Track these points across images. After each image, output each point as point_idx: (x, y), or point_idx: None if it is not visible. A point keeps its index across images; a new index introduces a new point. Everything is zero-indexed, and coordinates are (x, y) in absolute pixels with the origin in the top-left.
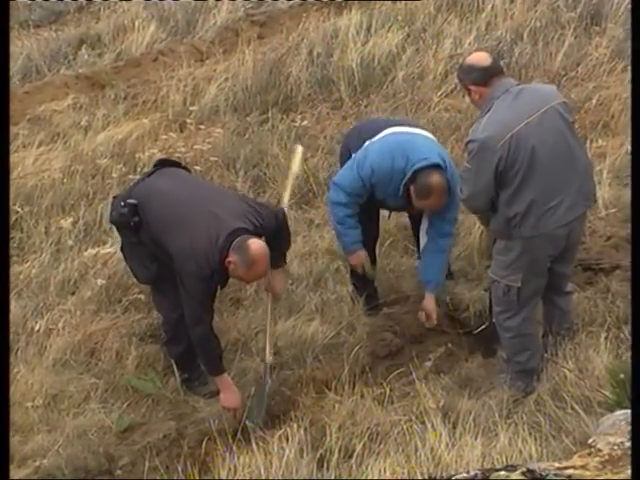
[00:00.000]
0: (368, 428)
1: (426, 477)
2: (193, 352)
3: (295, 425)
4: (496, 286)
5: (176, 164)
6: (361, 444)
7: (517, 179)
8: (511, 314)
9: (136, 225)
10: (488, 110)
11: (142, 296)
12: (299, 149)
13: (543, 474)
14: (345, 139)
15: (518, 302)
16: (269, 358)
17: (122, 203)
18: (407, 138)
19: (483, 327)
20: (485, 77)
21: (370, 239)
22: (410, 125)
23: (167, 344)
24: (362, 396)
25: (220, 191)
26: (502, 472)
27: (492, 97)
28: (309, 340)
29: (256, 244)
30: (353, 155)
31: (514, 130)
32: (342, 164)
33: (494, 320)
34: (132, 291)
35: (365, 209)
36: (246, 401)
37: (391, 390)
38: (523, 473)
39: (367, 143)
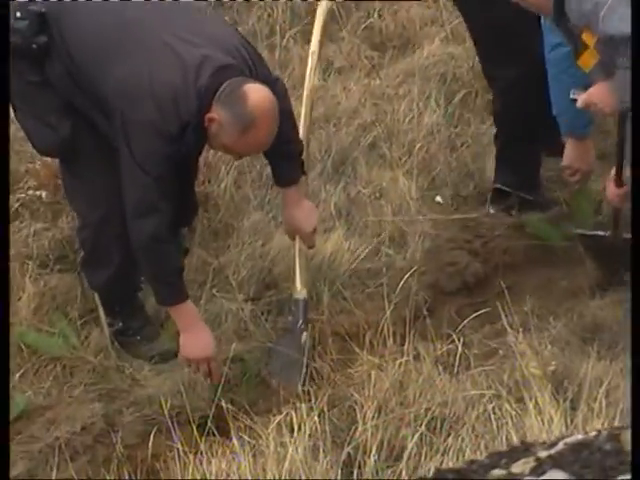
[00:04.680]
0: (427, 410)
1: None
2: (131, 279)
3: (304, 407)
4: None
5: None
6: (415, 438)
7: None
8: None
9: (41, 51)
10: None
11: (43, 193)
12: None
13: None
14: None
15: None
16: (302, 291)
17: (18, 13)
18: None
19: (602, 234)
20: None
21: None
22: None
23: (86, 268)
24: (417, 357)
25: (195, 6)
26: None
27: None
28: (328, 264)
29: (258, 92)
30: None
31: None
32: None
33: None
34: (26, 184)
35: None
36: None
37: (466, 347)
38: None
39: None
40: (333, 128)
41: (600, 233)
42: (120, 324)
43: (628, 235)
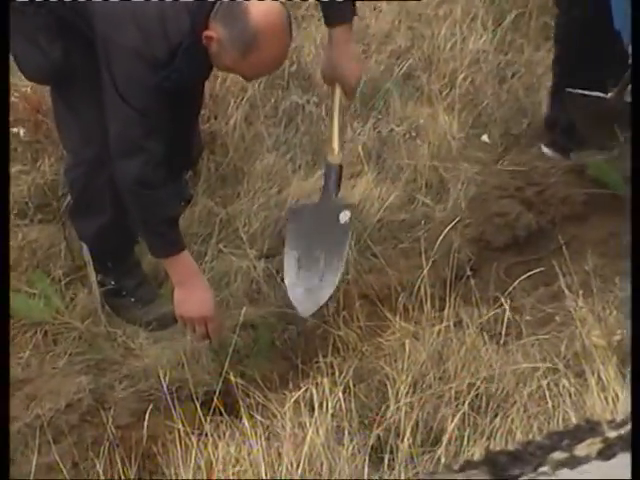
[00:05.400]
0: (471, 386)
1: None
2: (126, 229)
3: (327, 382)
4: None
5: None
6: (456, 418)
7: None
8: None
9: None
10: None
11: (21, 130)
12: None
13: None
14: None
15: None
16: (338, 155)
17: None
18: None
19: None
20: None
21: None
22: None
23: (74, 215)
24: (458, 324)
25: None
26: None
27: None
28: (355, 214)
29: (262, 4)
30: None
31: None
32: None
33: None
34: None
35: None
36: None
37: (517, 312)
38: None
39: None
40: (362, 56)
41: (601, 95)
42: (112, 283)
43: (629, 98)
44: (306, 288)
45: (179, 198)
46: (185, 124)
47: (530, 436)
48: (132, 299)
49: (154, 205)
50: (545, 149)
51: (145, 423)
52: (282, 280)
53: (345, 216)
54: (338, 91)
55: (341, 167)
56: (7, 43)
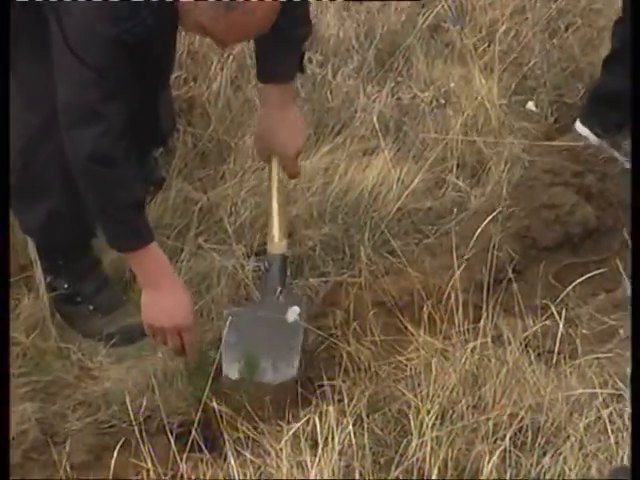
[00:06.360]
0: (513, 417)
1: None
2: (81, 217)
3: (333, 411)
4: None
5: None
6: (494, 457)
7: None
8: None
9: None
10: None
11: None
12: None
13: None
14: None
15: None
16: (281, 243)
17: None
18: None
19: None
20: None
21: None
22: None
23: (17, 201)
24: (497, 339)
25: None
26: None
27: None
28: (368, 202)
29: None
30: None
31: None
32: None
33: None
34: None
35: None
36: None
37: (571, 325)
38: None
39: None
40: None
41: None
42: (65, 287)
43: None
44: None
45: (146, 180)
46: (153, 89)
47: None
48: (90, 307)
49: (114, 186)
50: (581, 127)
51: (108, 462)
52: None
53: (294, 313)
54: (275, 165)
55: (285, 257)
56: (7, 43)
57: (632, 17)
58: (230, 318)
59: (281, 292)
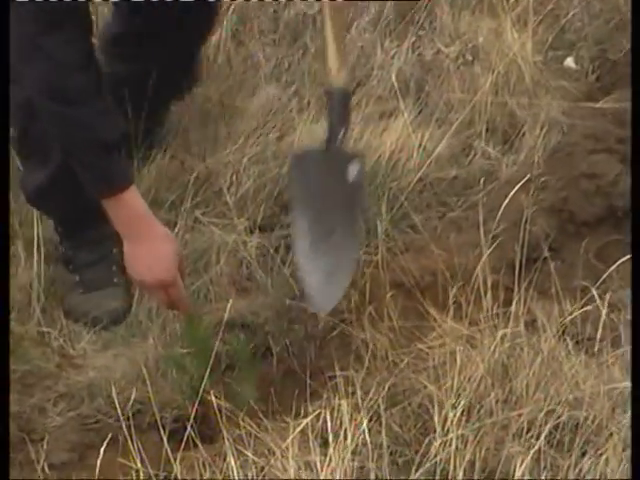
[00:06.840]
0: (549, 413)
1: None
2: (77, 185)
3: (346, 405)
4: None
5: None
6: (527, 458)
7: None
8: None
9: None
10: None
11: None
12: None
13: None
14: None
15: None
16: (339, 75)
17: None
18: None
19: None
20: None
21: None
22: None
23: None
24: (531, 325)
25: None
26: None
27: None
28: (385, 170)
29: None
30: None
31: None
32: None
33: None
34: None
35: None
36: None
37: (613, 310)
38: None
39: None
40: None
41: None
42: (62, 250)
43: None
44: (325, 272)
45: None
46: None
47: None
48: (77, 277)
49: (73, 126)
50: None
51: (90, 461)
52: (282, 262)
53: (353, 171)
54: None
55: (347, 91)
56: (7, 43)
57: (632, 17)
58: (295, 162)
59: (345, 133)
